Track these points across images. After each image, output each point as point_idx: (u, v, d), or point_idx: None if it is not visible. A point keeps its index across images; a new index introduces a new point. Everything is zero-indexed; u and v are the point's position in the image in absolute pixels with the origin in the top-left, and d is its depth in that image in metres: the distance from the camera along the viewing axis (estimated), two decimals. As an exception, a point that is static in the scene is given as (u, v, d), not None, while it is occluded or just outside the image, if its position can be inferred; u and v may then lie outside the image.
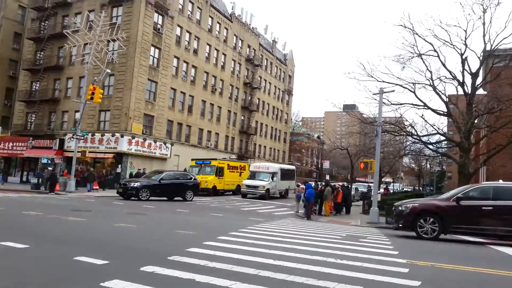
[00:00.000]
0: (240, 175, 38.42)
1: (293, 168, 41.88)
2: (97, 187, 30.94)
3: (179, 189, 26.01)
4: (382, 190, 45.62)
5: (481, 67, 24.15)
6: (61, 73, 42.39)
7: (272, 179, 34.01)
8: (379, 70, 33.00)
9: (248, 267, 6.37)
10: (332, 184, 26.82)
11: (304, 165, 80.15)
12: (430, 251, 10.21)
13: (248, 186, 33.22)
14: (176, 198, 25.94)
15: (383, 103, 22.37)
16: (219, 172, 35.16)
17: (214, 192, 34.15)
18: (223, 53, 52.09)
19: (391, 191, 52.02)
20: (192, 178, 27.54)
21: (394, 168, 58.81)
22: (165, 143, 40.49)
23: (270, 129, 66.47)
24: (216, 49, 50.53)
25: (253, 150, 60.09)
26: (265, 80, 64.42)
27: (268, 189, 33.11)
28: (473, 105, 23.35)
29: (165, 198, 25.46)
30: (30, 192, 26.72)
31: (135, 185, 23.96)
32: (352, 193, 30.50)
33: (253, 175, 34.70)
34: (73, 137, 30.62)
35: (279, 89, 69.34)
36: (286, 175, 37.60)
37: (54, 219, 11.87)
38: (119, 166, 36.21)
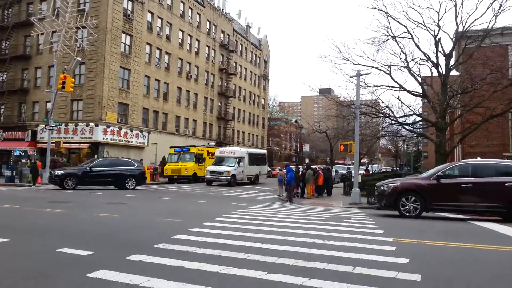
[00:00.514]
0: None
1: (264, 153, 40.17)
2: None
3: (117, 177, 24.24)
4: (363, 172, 46.41)
5: (454, 48, 24.52)
6: (29, 62, 41.01)
7: (239, 164, 32.10)
8: (355, 53, 33.29)
9: (236, 252, 6.33)
10: (313, 167, 27.00)
11: (283, 149, 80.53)
12: (414, 228, 10.40)
13: (212, 172, 31.06)
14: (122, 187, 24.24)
15: (360, 85, 22.51)
16: (198, 158, 35.01)
17: (194, 179, 34.05)
18: (196, 39, 51.36)
19: (370, 172, 52.99)
20: (135, 165, 25.55)
21: (372, 150, 59.70)
22: (141, 132, 39.91)
23: (248, 115, 66.36)
24: (189, 35, 49.76)
25: (232, 136, 59.98)
26: (241, 66, 64.02)
27: (234, 175, 31.18)
28: (448, 86, 23.73)
29: (99, 187, 23.82)
30: (4, 186, 25.95)
31: (59, 173, 23.07)
32: (333, 175, 30.77)
33: (218, 161, 32.61)
34: (45, 128, 29.85)
35: (255, 74, 69.09)
36: (256, 159, 35.92)
37: (32, 212, 11.54)
38: (95, 156, 35.53)
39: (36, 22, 31.64)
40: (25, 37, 41.23)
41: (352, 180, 22.79)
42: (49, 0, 38.50)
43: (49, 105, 34.37)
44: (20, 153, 35.53)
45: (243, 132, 64.55)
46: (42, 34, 33.14)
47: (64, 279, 4.78)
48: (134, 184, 24.81)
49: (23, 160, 30.93)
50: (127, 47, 39.58)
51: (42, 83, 39.71)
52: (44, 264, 5.46)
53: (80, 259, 5.67)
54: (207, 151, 37.25)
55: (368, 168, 59.91)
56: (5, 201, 14.41)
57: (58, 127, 31.44)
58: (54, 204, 14.15)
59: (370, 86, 24.78)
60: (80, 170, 23.77)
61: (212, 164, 32.80)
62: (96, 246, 6.62)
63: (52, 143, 28.91)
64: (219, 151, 34.37)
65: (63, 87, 26.48)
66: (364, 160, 74.44)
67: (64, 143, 33.30)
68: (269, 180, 39.92)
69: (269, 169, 50.76)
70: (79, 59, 28.74)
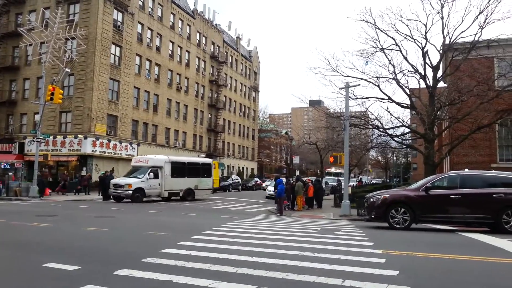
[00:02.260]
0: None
1: (207, 162, 31.63)
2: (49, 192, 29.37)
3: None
4: (354, 183, 46.66)
5: (442, 60, 24.90)
6: (17, 73, 40.73)
7: (151, 175, 26.06)
8: (344, 65, 33.53)
9: (226, 265, 6.29)
10: (303, 179, 27.06)
11: (273, 161, 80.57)
12: (404, 240, 10.44)
13: (115, 186, 25.69)
14: None
15: (349, 97, 22.70)
16: (188, 171, 34.72)
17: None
18: (187, 51, 51.54)
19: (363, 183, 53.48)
20: None
21: (362, 161, 59.99)
22: (131, 144, 39.70)
23: (238, 127, 66.45)
24: (179, 46, 49.94)
25: (222, 148, 59.91)
26: (231, 77, 64.28)
27: (139, 189, 25.28)
28: (435, 97, 24.03)
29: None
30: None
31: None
32: (324, 187, 30.87)
33: (131, 171, 27.51)
34: (33, 140, 29.49)
35: (245, 86, 69.40)
36: (189, 170, 28.86)
37: (19, 226, 11.37)
38: (84, 168, 35.20)
39: (24, 33, 31.52)
40: (14, 48, 41.01)
41: (342, 192, 22.83)
42: (38, 10, 38.42)
43: (37, 117, 34.10)
44: (6, 166, 35.06)
45: (234, 144, 64.56)
46: (30, 45, 32.99)
47: (50, 295, 4.71)
48: None
49: (10, 173, 30.50)
50: (116, 58, 39.54)
51: (31, 94, 39.43)
52: (30, 279, 5.38)
53: (67, 274, 5.58)
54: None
55: (362, 179, 60.65)
56: (-9, 215, 14.18)
57: (46, 139, 31.14)
58: (42, 218, 13.94)
59: (359, 98, 25.00)
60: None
61: (123, 176, 28.42)
62: (84, 260, 6.53)
63: (40, 155, 28.60)
64: (134, 160, 28.64)
65: (51, 99, 26.31)
66: (353, 173, 74.88)
67: (52, 155, 32.96)
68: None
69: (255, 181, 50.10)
70: (68, 70, 28.66)
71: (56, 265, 6.07)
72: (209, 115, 57.39)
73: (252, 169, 70.86)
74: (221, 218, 16.13)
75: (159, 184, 26.38)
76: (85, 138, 34.85)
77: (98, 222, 13.22)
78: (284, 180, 24.28)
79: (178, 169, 27.79)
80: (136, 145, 40.35)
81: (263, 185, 48.37)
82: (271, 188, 30.61)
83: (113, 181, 26.49)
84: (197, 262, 6.48)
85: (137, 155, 40.09)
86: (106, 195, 26.43)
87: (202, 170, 29.95)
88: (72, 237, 9.52)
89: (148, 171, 26.01)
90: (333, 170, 61.25)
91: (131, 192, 24.87)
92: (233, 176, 49.56)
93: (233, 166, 63.47)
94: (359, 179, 64.75)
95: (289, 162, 69.31)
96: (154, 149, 43.37)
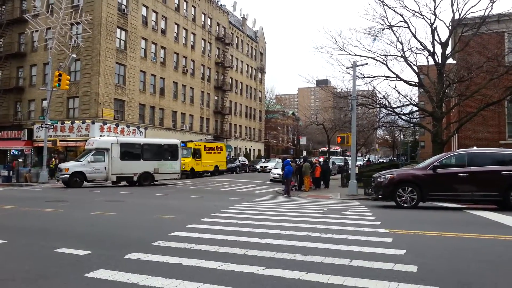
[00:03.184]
0: (217, 156, 38.46)
1: (172, 143, 28.93)
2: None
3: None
4: (361, 163, 46.55)
5: (451, 37, 24.50)
6: (24, 60, 40.80)
7: (93, 158, 24.44)
8: (351, 44, 33.06)
9: (234, 247, 6.36)
10: (311, 159, 27.09)
11: (280, 142, 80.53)
12: (411, 219, 10.47)
13: (59, 170, 24.79)
14: None
15: (357, 76, 22.50)
16: (196, 154, 35.02)
17: (192, 174, 34.09)
18: (192, 33, 51.14)
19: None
20: None
21: (369, 140, 59.80)
22: (138, 128, 39.85)
23: (245, 108, 66.30)
24: (184, 29, 49.54)
25: (229, 130, 59.95)
26: (237, 59, 63.83)
27: (77, 173, 23.74)
28: (444, 75, 23.73)
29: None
30: (1, 186, 25.91)
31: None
32: (331, 167, 30.86)
33: (83, 154, 25.95)
34: (42, 127, 29.68)
35: (251, 67, 68.93)
36: (148, 152, 26.79)
37: (30, 212, 11.56)
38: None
39: (30, 19, 31.45)
40: (19, 35, 40.99)
41: (349, 171, 22.84)
42: (42, -4, 38.21)
43: (45, 103, 34.28)
44: (16, 152, 35.45)
45: (240, 126, 64.54)
46: (36, 31, 32.95)
47: (63, 279, 4.81)
48: None
49: (20, 160, 30.83)
50: (122, 42, 39.39)
51: (38, 81, 39.56)
52: (43, 265, 5.49)
53: (78, 259, 5.69)
54: (204, 146, 37.29)
55: (369, 159, 60.40)
56: (2, 202, 14.41)
57: (54, 125, 31.34)
58: (52, 204, 14.14)
59: (366, 77, 24.82)
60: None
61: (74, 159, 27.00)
62: (94, 245, 6.64)
63: (48, 141, 28.86)
64: (87, 143, 26.71)
65: (58, 85, 26.38)
66: (360, 152, 74.53)
67: (60, 141, 33.26)
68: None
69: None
70: (74, 55, 28.63)
71: (68, 250, 6.18)
72: (216, 97, 57.28)
73: (259, 150, 70.97)
74: (229, 200, 16.26)
75: (105, 167, 24.62)
76: (93, 123, 35.04)
77: (108, 206, 13.38)
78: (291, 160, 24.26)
79: (131, 152, 26.07)
80: (143, 129, 40.52)
81: (258, 166, 46.00)
82: (276, 171, 29.79)
83: (59, 165, 25.99)
84: (206, 245, 6.56)
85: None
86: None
87: (165, 152, 27.81)
88: (82, 222, 9.67)
89: (91, 154, 24.64)
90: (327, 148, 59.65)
91: (68, 176, 23.49)
92: (240, 158, 49.74)
93: (240, 148, 63.62)
94: (367, 158, 64.67)
95: (296, 142, 69.31)
96: (162, 132, 43.54)
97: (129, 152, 25.89)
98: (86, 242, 6.86)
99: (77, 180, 23.71)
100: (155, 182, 27.09)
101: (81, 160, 24.71)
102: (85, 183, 24.40)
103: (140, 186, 25.41)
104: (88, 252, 6.02)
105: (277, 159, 47.12)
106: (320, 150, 61.67)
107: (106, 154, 24.76)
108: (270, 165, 43.37)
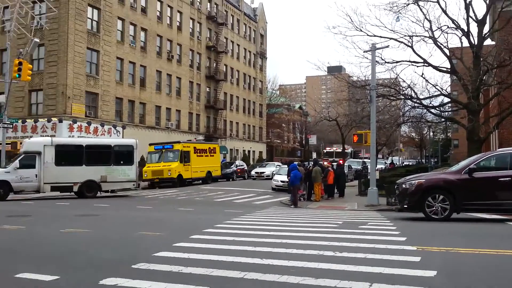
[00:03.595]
0: (210, 159, 38.47)
1: (124, 143, 28.47)
2: None
3: None
4: (382, 166, 46.54)
5: (489, 13, 24.53)
6: (-23, 46, 40.79)
7: (23, 163, 23.65)
8: (370, 23, 32.99)
9: (231, 270, 6.36)
10: (321, 162, 27.11)
11: (285, 142, 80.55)
12: (442, 233, 10.47)
13: None
14: None
15: (376, 62, 22.53)
16: (184, 157, 35.02)
17: (180, 182, 34.08)
18: (178, 11, 51.23)
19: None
20: None
21: (392, 139, 59.88)
22: (115, 127, 39.87)
23: (242, 102, 66.39)
24: (169, 6, 49.63)
25: (224, 128, 60.05)
26: (232, 42, 63.91)
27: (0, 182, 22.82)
28: (481, 59, 23.77)
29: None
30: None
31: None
32: (346, 171, 30.86)
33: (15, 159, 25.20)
34: (-1, 126, 29.69)
35: (249, 52, 69.03)
36: (92, 156, 25.69)
37: (-16, 229, 11.57)
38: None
39: (-18, -3, 31.47)
40: (-30, 16, 41.03)
41: (368, 177, 22.85)
42: (-3, -30, 38.27)
43: (2, 98, 34.28)
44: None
45: (237, 123, 64.61)
46: (-10, 11, 32.98)
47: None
48: None
49: None
50: (94, 23, 39.45)
51: (-7, 71, 39.58)
52: (0, 293, 5.49)
53: (44, 286, 5.69)
54: (194, 147, 37.30)
55: (392, 161, 60.38)
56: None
57: (14, 124, 31.37)
58: (13, 219, 14.16)
59: (388, 62, 24.84)
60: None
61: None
62: (63, 269, 6.64)
63: (7, 144, 28.86)
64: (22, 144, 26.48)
65: (18, 75, 26.39)
66: (381, 153, 74.34)
67: (21, 143, 33.22)
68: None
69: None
70: (37, 40, 28.59)
71: (31, 275, 6.17)
72: (207, 89, 57.34)
73: (260, 152, 70.97)
74: (225, 213, 16.26)
75: (36, 175, 23.61)
76: (60, 121, 35.03)
77: (80, 222, 13.39)
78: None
79: (69, 155, 25.00)
80: (121, 127, 40.52)
81: (252, 172, 44.86)
82: (280, 178, 29.62)
83: None
84: (197, 267, 6.56)
85: (123, 140, 40.39)
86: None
87: (116, 155, 26.40)
88: (49, 241, 9.68)
89: (18, 159, 23.89)
90: (334, 149, 58.73)
91: None
92: (238, 162, 49.74)
93: (237, 150, 63.72)
94: (390, 161, 64.75)
95: (304, 142, 69.44)
96: (143, 132, 43.59)
97: (67, 155, 24.89)
98: (53, 265, 6.86)
99: (4, 192, 22.74)
100: (102, 193, 25.90)
101: (7, 166, 24.12)
102: (14, 195, 23.61)
103: (82, 198, 24.37)
104: (55, 278, 6.02)
105: (276, 163, 46.87)
106: (325, 151, 60.84)
107: (37, 158, 23.86)
108: (268, 170, 43.22)
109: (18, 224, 12.49)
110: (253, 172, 45.04)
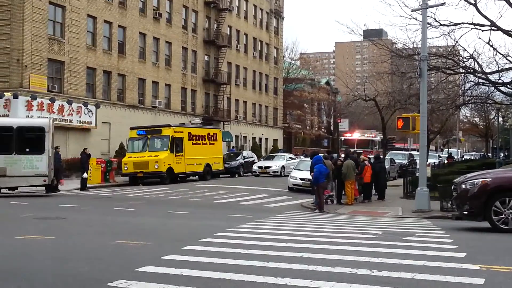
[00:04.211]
0: (209, 149, 38.50)
1: (31, 125, 27.78)
2: None
3: None
4: (435, 161, 46.31)
5: None
6: None
7: None
8: (420, -28, 32.56)
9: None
10: (355, 155, 27.09)
11: (308, 127, 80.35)
12: (513, 249, 10.47)
13: None
14: None
15: (429, 23, 22.36)
16: (176, 146, 35.01)
17: (170, 177, 34.10)
18: (168, -45, 51.10)
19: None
20: None
21: (448, 126, 59.50)
22: (86, 105, 40.00)
23: (252, 75, 66.26)
24: None
25: (227, 109, 60.01)
26: (239, -4, 63.71)
27: None
28: None
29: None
30: None
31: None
32: (386, 167, 30.81)
33: None
34: None
35: (261, 9, 68.77)
36: None
37: None
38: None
39: None
40: None
41: (417, 174, 22.78)
42: None
43: None
44: None
45: (245, 102, 64.49)
46: None
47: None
48: None
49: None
50: (59, -29, 39.49)
51: None
52: None
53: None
54: (189, 133, 37.26)
55: (450, 154, 60.06)
56: None
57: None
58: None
59: (444, 25, 24.69)
60: None
61: None
62: None
63: None
64: None
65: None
66: (433, 144, 73.96)
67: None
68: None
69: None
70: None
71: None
72: (206, 58, 57.29)
73: (275, 140, 70.76)
74: (228, 218, 16.35)
75: None
76: (15, 97, 35.16)
77: (40, 226, 13.50)
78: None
79: None
80: (93, 106, 40.60)
81: (255, 167, 43.47)
82: (299, 174, 29.15)
83: None
84: (190, 286, 6.61)
85: (95, 123, 40.53)
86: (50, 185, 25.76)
87: (19, 142, 25.40)
88: (2, 251, 9.76)
89: None
90: (356, 136, 56.77)
91: None
92: (245, 153, 49.75)
93: (244, 137, 63.70)
94: (447, 154, 64.37)
95: (333, 128, 69.31)
96: (122, 112, 43.73)
97: None
98: (6, 283, 6.92)
99: None
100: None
101: None
102: None
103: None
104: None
105: (288, 155, 46.62)
106: (342, 138, 59.31)
107: None
108: (275, 164, 42.79)
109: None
110: (255, 167, 43.49)
